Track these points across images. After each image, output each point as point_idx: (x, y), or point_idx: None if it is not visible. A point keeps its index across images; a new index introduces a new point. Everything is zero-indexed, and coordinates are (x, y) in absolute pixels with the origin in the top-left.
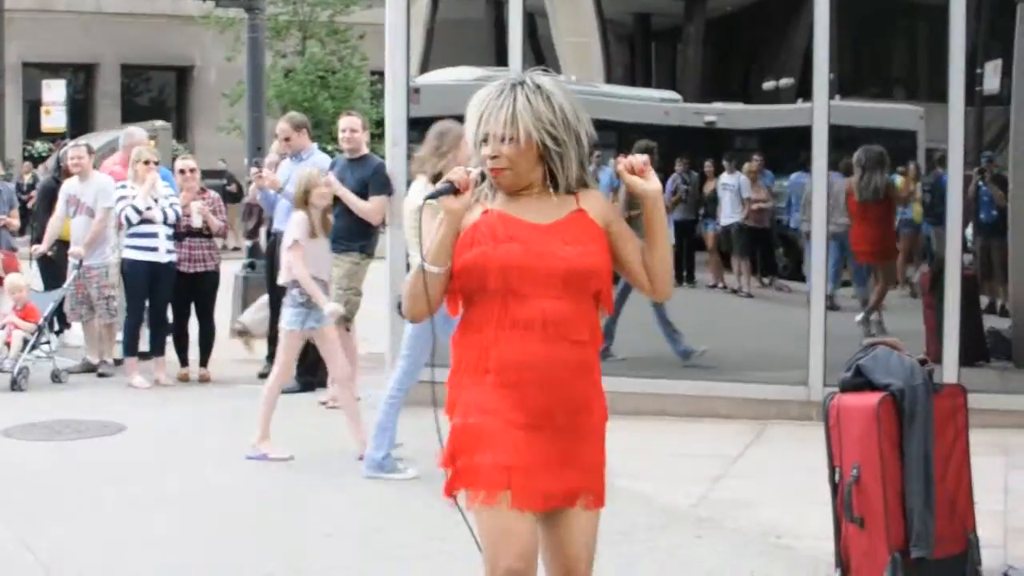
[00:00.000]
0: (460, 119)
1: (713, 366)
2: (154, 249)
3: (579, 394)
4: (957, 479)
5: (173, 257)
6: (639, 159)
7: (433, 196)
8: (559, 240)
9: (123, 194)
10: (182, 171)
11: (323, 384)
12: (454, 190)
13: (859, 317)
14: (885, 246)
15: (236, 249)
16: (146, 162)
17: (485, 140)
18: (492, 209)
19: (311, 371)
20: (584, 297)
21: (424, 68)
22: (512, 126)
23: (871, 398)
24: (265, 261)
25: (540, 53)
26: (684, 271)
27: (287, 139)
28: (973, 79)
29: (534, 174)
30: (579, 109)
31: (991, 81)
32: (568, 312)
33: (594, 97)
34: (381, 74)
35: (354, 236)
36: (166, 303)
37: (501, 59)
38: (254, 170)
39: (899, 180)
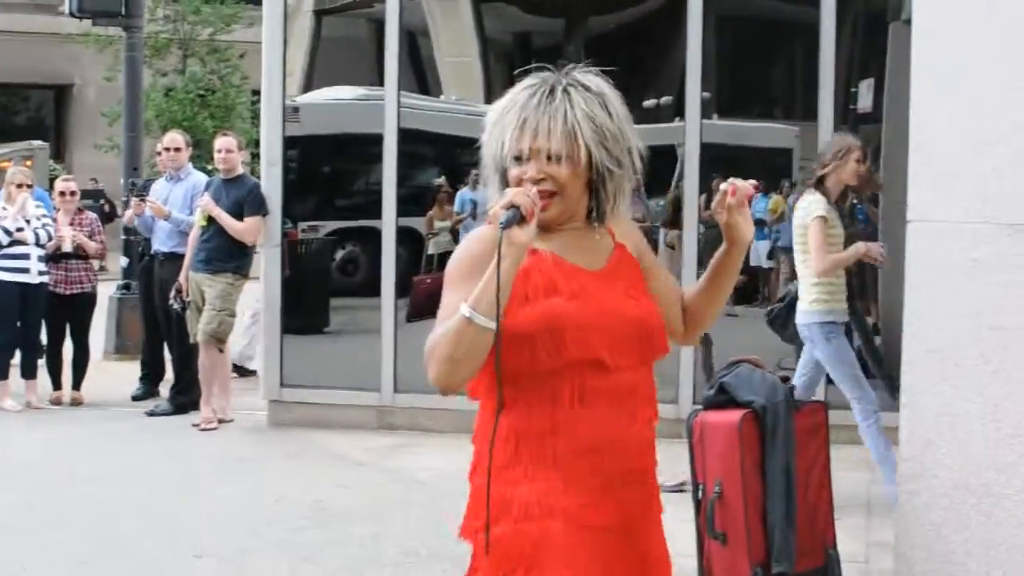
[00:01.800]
0: (340, 138)
1: None
2: (25, 271)
3: (653, 481)
4: (818, 494)
5: (45, 278)
6: (746, 186)
7: (505, 224)
8: (620, 291)
9: None
10: (62, 193)
11: (196, 406)
12: (520, 217)
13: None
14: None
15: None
16: (18, 185)
17: (519, 158)
18: (543, 250)
19: (185, 392)
20: (652, 360)
21: (306, 87)
22: (570, 140)
23: (734, 415)
24: (140, 282)
25: (421, 72)
26: None
27: (177, 149)
28: (847, 98)
29: (582, 204)
30: (630, 119)
31: (864, 99)
32: (645, 382)
33: (470, 116)
34: (259, 93)
35: (229, 256)
36: (39, 325)
37: (383, 78)
38: (135, 200)
39: (774, 199)
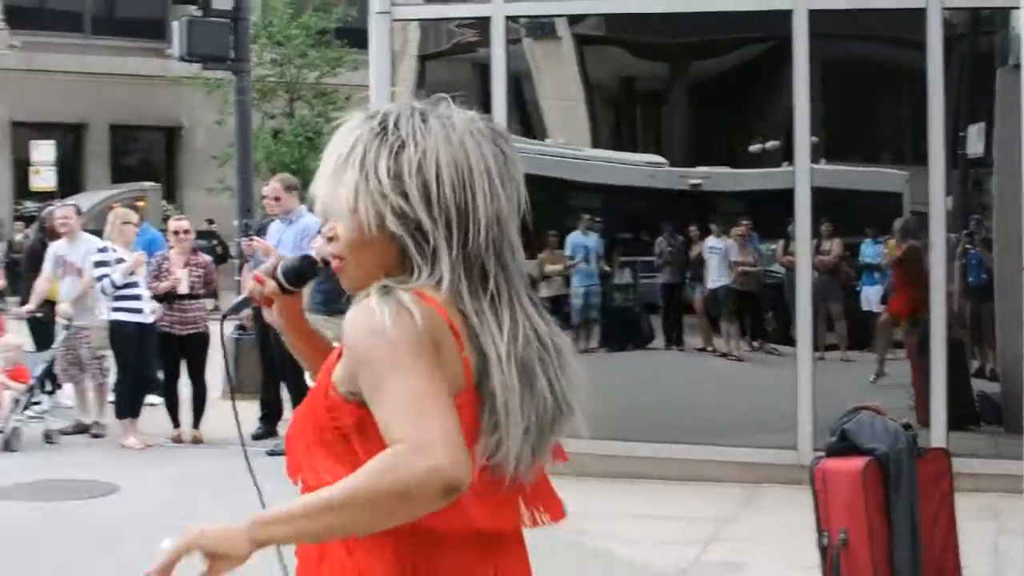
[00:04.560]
0: None
1: (703, 430)
2: (139, 311)
3: None
4: (944, 543)
5: (154, 317)
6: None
7: None
8: None
9: (102, 258)
10: (176, 232)
11: None
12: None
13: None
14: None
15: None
16: (125, 223)
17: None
18: None
19: None
20: None
21: None
22: None
23: (856, 462)
24: (256, 323)
25: (526, 116)
26: (672, 334)
27: (277, 199)
28: (956, 142)
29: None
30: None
31: (975, 144)
32: None
33: (580, 161)
34: None
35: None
36: (152, 364)
37: None
38: (245, 241)
39: (887, 244)
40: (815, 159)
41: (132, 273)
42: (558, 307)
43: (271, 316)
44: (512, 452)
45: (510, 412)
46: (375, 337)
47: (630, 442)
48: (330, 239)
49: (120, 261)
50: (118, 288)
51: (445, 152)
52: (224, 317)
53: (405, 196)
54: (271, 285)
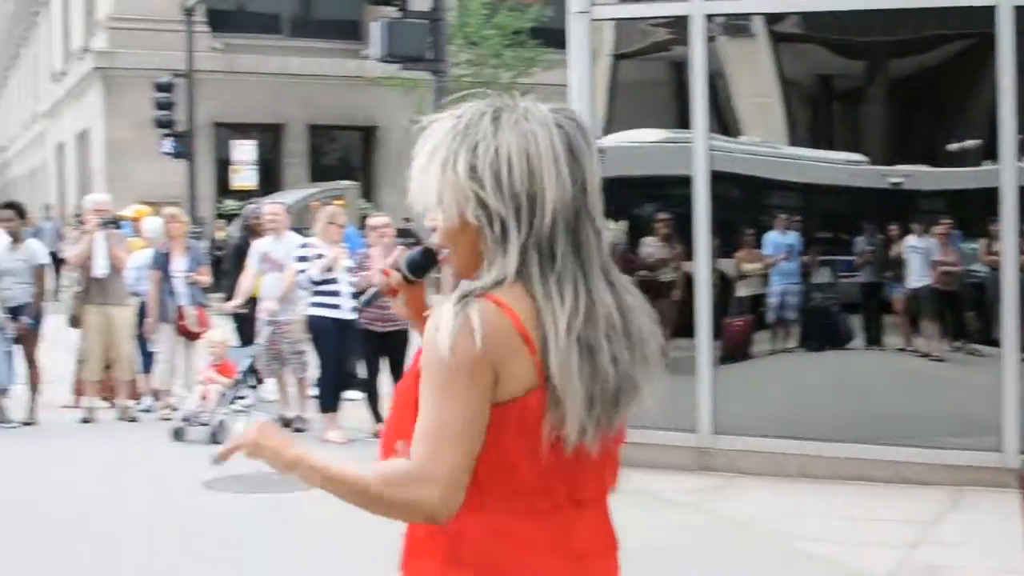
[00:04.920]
0: (643, 180)
1: (904, 431)
2: (337, 307)
3: None
4: None
5: (355, 314)
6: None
7: None
8: None
9: (303, 254)
10: (375, 228)
11: None
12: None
13: None
14: None
15: None
16: (330, 222)
17: None
18: None
19: None
20: None
21: (606, 129)
22: None
23: None
24: None
25: (720, 113)
26: (871, 334)
27: None
28: None
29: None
30: None
31: None
32: None
33: (778, 159)
34: None
35: None
36: (350, 359)
37: (682, 121)
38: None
39: None
40: (1020, 157)
41: (330, 269)
42: (756, 306)
43: (397, 306)
44: (574, 425)
45: (569, 386)
46: (434, 352)
47: (830, 442)
48: (432, 229)
49: (320, 258)
50: (315, 284)
51: (516, 144)
52: (357, 310)
53: (481, 186)
54: (396, 277)
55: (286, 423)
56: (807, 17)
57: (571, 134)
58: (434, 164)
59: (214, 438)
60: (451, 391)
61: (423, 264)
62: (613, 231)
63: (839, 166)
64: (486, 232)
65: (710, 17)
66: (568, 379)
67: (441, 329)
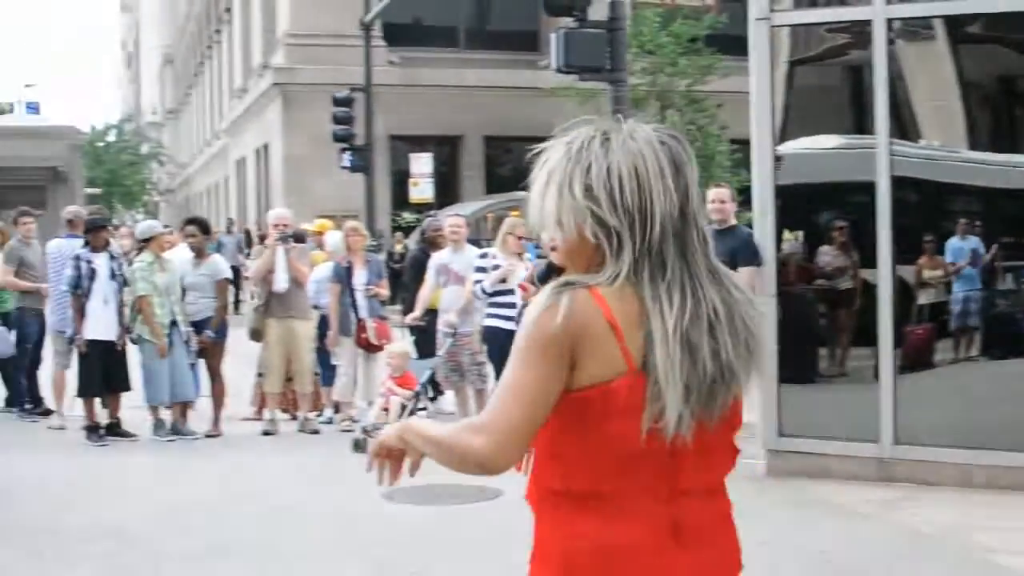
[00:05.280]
0: (821, 187)
1: None
2: (511, 318)
3: None
4: None
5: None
6: None
7: None
8: None
9: (481, 264)
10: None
11: None
12: None
13: None
14: None
15: None
16: (509, 233)
17: None
18: None
19: None
20: None
21: (783, 136)
22: None
23: None
24: None
25: (899, 118)
26: None
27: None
28: None
29: None
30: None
31: None
32: None
33: (959, 163)
34: (738, 142)
35: None
36: None
37: (858, 126)
38: None
39: None
40: None
41: (504, 280)
42: (937, 314)
43: None
44: (673, 415)
45: (670, 381)
46: (523, 327)
47: (1016, 452)
48: (553, 248)
49: (496, 269)
50: (488, 295)
51: (625, 163)
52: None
53: (597, 204)
54: (532, 291)
55: None
56: (987, 18)
57: (674, 149)
58: (552, 187)
59: None
60: (527, 361)
61: (547, 278)
62: (788, 240)
63: (1021, 169)
64: (604, 246)
65: (891, 21)
66: (670, 375)
67: (533, 309)
